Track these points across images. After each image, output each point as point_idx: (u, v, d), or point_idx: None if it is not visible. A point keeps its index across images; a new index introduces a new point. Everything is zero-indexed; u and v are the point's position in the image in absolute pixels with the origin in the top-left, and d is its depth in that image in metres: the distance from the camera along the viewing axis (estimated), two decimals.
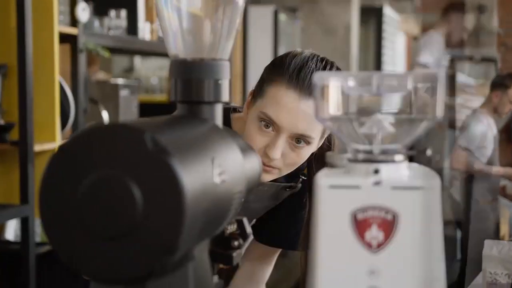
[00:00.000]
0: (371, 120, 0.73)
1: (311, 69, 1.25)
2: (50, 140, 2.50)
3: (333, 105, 0.73)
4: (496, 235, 4.35)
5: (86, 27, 2.79)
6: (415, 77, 0.70)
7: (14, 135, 2.40)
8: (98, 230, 0.62)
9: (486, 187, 4.39)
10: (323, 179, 0.70)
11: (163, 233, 0.61)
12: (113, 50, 3.20)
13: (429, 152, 3.51)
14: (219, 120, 0.83)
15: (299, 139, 1.25)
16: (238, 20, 0.86)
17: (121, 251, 0.62)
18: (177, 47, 0.84)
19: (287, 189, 1.41)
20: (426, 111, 0.71)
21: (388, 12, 7.42)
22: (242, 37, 4.71)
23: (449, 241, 5.33)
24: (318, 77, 0.72)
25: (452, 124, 4.89)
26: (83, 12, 2.66)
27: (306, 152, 1.27)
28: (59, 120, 2.53)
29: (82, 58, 2.69)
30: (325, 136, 1.33)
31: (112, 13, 3.04)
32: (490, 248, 1.97)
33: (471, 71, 5.40)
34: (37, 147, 2.41)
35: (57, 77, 2.50)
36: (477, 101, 4.54)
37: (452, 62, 4.45)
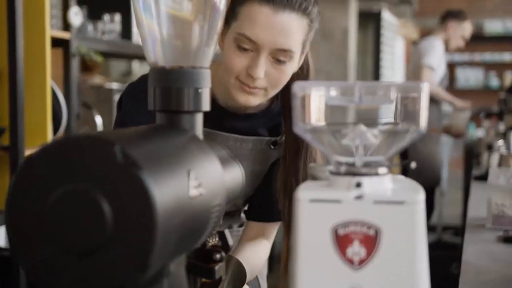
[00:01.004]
0: (353, 132, 0.70)
1: None
2: (41, 144, 2.47)
3: (314, 115, 0.70)
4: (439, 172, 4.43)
5: (80, 31, 2.76)
6: (399, 88, 0.68)
7: (5, 140, 2.37)
8: (66, 245, 0.60)
9: (436, 115, 4.46)
10: (303, 192, 0.67)
11: (133, 250, 0.58)
12: (107, 55, 3.17)
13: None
14: (199, 129, 0.81)
15: (280, 57, 1.22)
16: (219, 25, 0.83)
17: (90, 267, 0.59)
18: (156, 55, 0.81)
19: (272, 146, 1.37)
20: (410, 123, 0.68)
21: (387, 16, 7.40)
22: None
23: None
24: (298, 86, 0.69)
25: (448, 129, 4.89)
26: (76, 16, 2.63)
27: (289, 68, 1.25)
28: (51, 125, 2.51)
29: (75, 63, 2.66)
30: (305, 51, 1.30)
31: (106, 17, 3.01)
32: (496, 176, 1.86)
33: None
34: (28, 152, 2.38)
35: (49, 82, 2.48)
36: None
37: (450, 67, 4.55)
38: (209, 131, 1.31)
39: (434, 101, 4.43)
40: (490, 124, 5.29)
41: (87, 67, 3.37)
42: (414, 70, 4.44)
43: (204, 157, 0.74)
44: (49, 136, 2.49)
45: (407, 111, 0.69)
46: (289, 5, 1.19)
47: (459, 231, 4.97)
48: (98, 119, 2.92)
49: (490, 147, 3.22)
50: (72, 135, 0.62)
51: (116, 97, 3.08)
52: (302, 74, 1.33)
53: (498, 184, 1.89)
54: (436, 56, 4.28)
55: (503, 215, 1.86)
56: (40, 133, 2.47)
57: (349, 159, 0.70)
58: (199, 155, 0.73)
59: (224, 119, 1.35)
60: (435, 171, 4.44)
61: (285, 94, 1.31)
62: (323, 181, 0.73)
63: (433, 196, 4.63)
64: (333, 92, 0.70)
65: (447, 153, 6.18)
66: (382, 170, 0.69)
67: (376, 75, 7.29)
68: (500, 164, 2.94)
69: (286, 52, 1.21)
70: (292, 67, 1.26)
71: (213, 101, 1.33)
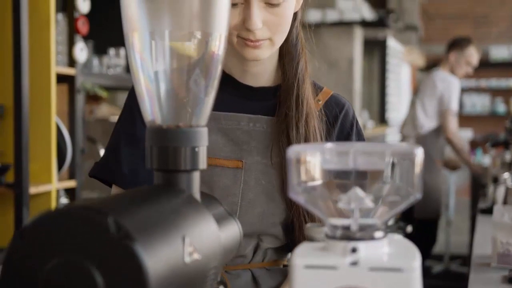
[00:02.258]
0: (348, 195, 0.70)
1: None
2: (46, 182, 2.48)
3: (308, 179, 0.70)
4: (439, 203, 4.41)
5: (85, 67, 2.78)
6: (393, 152, 0.68)
7: (9, 177, 2.38)
8: None
9: (439, 147, 4.43)
10: (299, 258, 0.67)
11: None
12: (113, 88, 3.19)
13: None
14: (196, 188, 0.81)
15: (272, 0, 1.13)
16: (216, 83, 0.83)
17: None
18: (153, 113, 0.81)
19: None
20: (405, 188, 0.68)
21: (392, 43, 7.42)
22: None
23: None
24: (293, 150, 0.69)
25: (447, 162, 4.89)
26: (81, 52, 2.65)
27: (287, 9, 1.16)
28: (56, 161, 2.51)
29: (80, 98, 2.68)
30: None
31: (112, 51, 3.03)
32: (501, 214, 1.83)
33: None
34: (33, 190, 2.39)
35: (54, 118, 2.49)
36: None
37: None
38: (218, 114, 1.23)
39: (438, 131, 4.42)
40: (496, 152, 5.27)
41: (93, 97, 3.39)
42: (424, 105, 4.43)
43: (200, 219, 0.73)
44: (54, 173, 2.49)
45: (403, 176, 0.68)
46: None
47: (467, 260, 4.93)
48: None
49: (496, 180, 3.20)
50: (64, 206, 0.62)
51: None
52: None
53: (503, 221, 1.87)
54: (457, 98, 4.34)
55: (509, 253, 1.84)
56: (45, 170, 2.48)
57: (345, 222, 0.70)
58: (195, 218, 0.73)
59: (239, 97, 1.26)
60: (437, 202, 4.42)
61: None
62: (319, 243, 0.73)
63: (436, 227, 4.59)
64: (328, 156, 0.69)
65: (454, 181, 6.15)
66: (378, 234, 0.69)
67: (382, 103, 7.29)
68: (506, 197, 2.92)
69: None
70: (290, 7, 1.17)
71: (228, 76, 1.27)
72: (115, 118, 3.19)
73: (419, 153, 0.68)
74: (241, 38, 1.16)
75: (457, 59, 4.38)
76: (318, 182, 0.71)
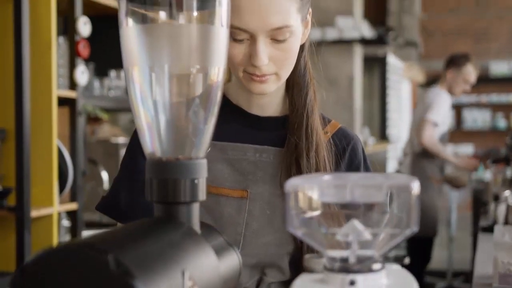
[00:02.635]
0: (346, 227, 0.71)
1: None
2: (47, 205, 2.48)
3: (306, 211, 0.71)
4: (434, 221, 4.37)
5: (86, 89, 2.80)
6: (390, 187, 0.69)
7: (11, 200, 2.39)
8: None
9: (437, 165, 4.40)
10: None
11: None
12: (114, 109, 3.21)
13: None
14: (195, 220, 0.81)
15: (278, 37, 1.12)
16: (215, 114, 0.84)
17: None
18: (153, 146, 0.82)
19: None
20: (403, 221, 0.69)
21: (392, 60, 7.45)
22: None
23: None
24: (291, 184, 0.70)
25: (450, 180, 4.88)
26: (82, 75, 2.67)
27: (293, 44, 1.15)
28: (57, 184, 2.52)
29: (81, 121, 2.69)
30: (308, 18, 1.22)
31: (112, 73, 3.05)
32: (502, 234, 1.82)
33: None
34: (34, 213, 2.40)
35: (55, 141, 2.50)
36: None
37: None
38: (225, 145, 1.23)
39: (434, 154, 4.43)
40: (497, 169, 5.27)
41: (95, 117, 3.40)
42: (418, 122, 4.45)
43: (199, 252, 0.74)
44: (55, 196, 2.50)
45: (400, 208, 0.69)
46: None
47: (470, 277, 4.91)
48: (104, 175, 2.94)
49: (496, 198, 3.20)
50: (65, 243, 0.63)
51: (122, 152, 3.10)
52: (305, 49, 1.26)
53: (504, 241, 1.88)
54: (441, 111, 4.29)
55: (510, 274, 1.84)
56: (46, 193, 2.48)
57: (343, 254, 0.70)
58: (194, 251, 0.73)
59: (245, 127, 1.26)
60: (433, 220, 4.40)
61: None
62: (318, 274, 0.74)
63: (431, 245, 4.56)
64: (326, 189, 0.70)
65: (455, 197, 6.15)
66: (376, 266, 0.69)
67: (383, 119, 7.31)
68: (507, 216, 2.91)
69: (282, 29, 1.12)
70: (296, 41, 1.17)
71: (235, 107, 1.27)
72: (116, 139, 3.20)
73: (415, 186, 0.68)
74: (247, 73, 1.16)
75: (455, 77, 4.39)
76: (316, 214, 0.72)
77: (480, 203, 4.47)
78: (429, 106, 4.30)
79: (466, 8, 10.06)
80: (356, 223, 0.71)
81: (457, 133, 10.20)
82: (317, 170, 1.21)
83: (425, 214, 4.17)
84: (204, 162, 0.82)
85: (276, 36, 1.13)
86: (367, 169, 1.29)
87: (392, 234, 0.70)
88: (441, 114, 4.27)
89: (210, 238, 0.83)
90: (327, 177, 0.73)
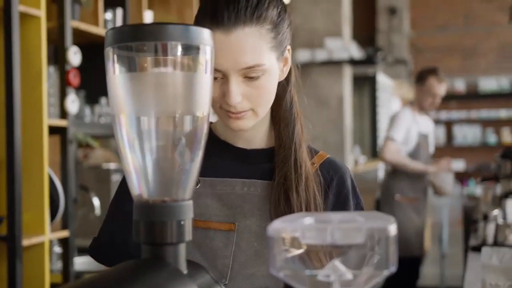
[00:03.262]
0: (328, 268, 0.73)
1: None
2: (39, 233, 2.49)
3: (288, 254, 0.73)
4: (418, 241, 4.31)
5: (77, 117, 2.82)
6: (368, 229, 0.71)
7: (2, 229, 2.40)
8: None
9: (407, 184, 4.33)
10: None
11: None
12: (105, 136, 3.23)
13: None
14: (182, 260, 0.84)
15: (251, 74, 1.14)
16: (200, 156, 0.87)
17: None
18: (140, 188, 0.85)
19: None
20: (381, 262, 0.71)
21: (382, 79, 7.51)
22: None
23: None
24: (273, 228, 0.73)
25: (433, 188, 4.79)
26: (73, 104, 2.69)
27: (267, 81, 1.17)
28: (49, 212, 2.53)
29: (72, 149, 2.71)
30: (284, 55, 1.22)
31: (103, 100, 3.08)
32: (489, 256, 1.83)
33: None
34: (26, 242, 2.41)
35: (46, 170, 2.52)
36: None
37: None
38: (214, 180, 1.25)
39: (403, 168, 4.39)
40: (487, 185, 5.30)
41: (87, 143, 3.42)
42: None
43: None
44: (47, 224, 2.51)
45: (379, 249, 0.72)
46: (239, 21, 1.13)
47: None
48: (96, 201, 2.95)
49: (485, 217, 3.23)
50: None
51: (114, 177, 3.12)
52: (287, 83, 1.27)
53: (491, 263, 1.90)
54: (402, 127, 4.26)
55: None
56: (38, 222, 2.50)
57: None
58: None
59: (233, 160, 1.28)
60: (417, 241, 4.36)
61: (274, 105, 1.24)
62: None
63: (419, 264, 4.53)
64: (307, 231, 0.73)
65: (447, 214, 6.18)
66: None
67: (373, 137, 7.36)
68: (496, 235, 2.94)
69: (254, 68, 1.14)
70: (271, 79, 1.18)
71: (222, 142, 1.29)
72: (108, 165, 3.22)
73: (393, 228, 0.71)
74: (224, 109, 1.19)
75: (420, 92, 4.38)
76: (297, 256, 0.74)
77: (471, 220, 4.48)
78: (391, 123, 4.33)
79: (455, 25, 10.16)
80: (337, 264, 0.73)
81: (448, 149, 10.26)
82: (307, 203, 1.22)
83: (405, 235, 4.16)
84: (189, 204, 0.85)
85: (249, 74, 1.15)
86: (357, 199, 1.31)
87: (372, 274, 0.73)
88: (402, 130, 4.25)
89: (196, 276, 0.85)
90: (308, 219, 0.75)
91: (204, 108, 0.85)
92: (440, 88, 4.33)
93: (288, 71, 1.27)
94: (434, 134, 4.50)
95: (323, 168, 1.29)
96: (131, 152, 0.84)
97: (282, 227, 0.73)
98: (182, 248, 0.84)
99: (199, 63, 0.84)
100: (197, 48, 0.83)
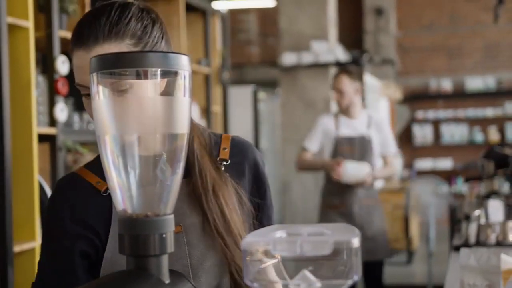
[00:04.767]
0: (298, 277, 0.80)
1: (92, 14, 1.20)
2: (29, 239, 2.55)
3: (261, 265, 0.80)
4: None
5: (66, 125, 2.87)
6: (335, 242, 0.77)
7: None
8: None
9: (332, 191, 4.13)
10: None
11: None
12: (94, 142, 3.28)
13: None
14: (165, 270, 0.90)
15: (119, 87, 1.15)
16: (179, 176, 0.93)
17: None
18: (124, 204, 0.91)
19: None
20: (344, 272, 0.78)
21: (369, 80, 7.59)
22: (223, 116, 4.83)
23: None
24: (246, 242, 0.79)
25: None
26: (62, 112, 2.75)
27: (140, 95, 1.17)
28: (39, 218, 2.59)
29: (61, 156, 2.76)
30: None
31: None
32: (467, 257, 1.88)
33: None
34: (17, 248, 2.46)
35: (36, 177, 2.57)
36: None
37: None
38: None
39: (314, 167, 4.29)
40: (472, 184, 5.37)
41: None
42: None
43: None
44: (37, 230, 2.56)
45: (344, 259, 0.78)
46: (99, 38, 1.17)
47: None
48: None
49: (467, 217, 3.29)
50: None
51: None
52: None
53: (469, 264, 1.95)
54: (314, 136, 4.11)
55: None
56: (28, 228, 2.55)
57: None
58: None
59: None
60: (379, 242, 4.18)
61: None
62: None
63: (382, 269, 4.39)
64: (278, 245, 0.79)
65: (433, 213, 6.26)
66: None
67: None
68: (478, 235, 3.00)
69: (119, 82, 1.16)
70: (144, 92, 1.23)
71: None
72: None
73: (356, 240, 0.77)
74: None
75: (336, 93, 4.25)
76: (270, 267, 0.81)
77: (455, 219, 4.54)
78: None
79: (441, 25, 10.27)
80: (307, 273, 0.80)
81: (436, 147, 10.37)
82: (220, 206, 1.26)
83: (368, 236, 4.09)
84: (171, 218, 0.91)
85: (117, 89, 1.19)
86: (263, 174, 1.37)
87: (339, 283, 0.79)
88: (315, 139, 4.08)
89: (179, 285, 0.91)
90: (279, 233, 0.82)
91: (183, 127, 0.91)
92: (346, 85, 4.04)
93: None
94: (378, 134, 4.11)
95: (234, 149, 1.34)
96: (115, 170, 0.90)
97: (255, 241, 0.79)
98: (165, 259, 0.90)
99: (178, 87, 0.90)
100: (175, 73, 0.90)
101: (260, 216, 1.34)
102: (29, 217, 2.54)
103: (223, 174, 1.29)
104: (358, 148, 4.12)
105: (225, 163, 1.31)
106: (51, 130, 2.73)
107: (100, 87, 0.89)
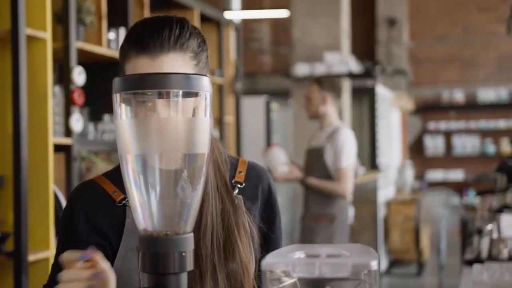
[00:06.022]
0: None
1: (152, 23, 1.23)
2: (44, 248, 2.57)
3: (281, 285, 0.81)
4: None
5: (81, 134, 2.90)
6: (353, 265, 0.79)
7: (9, 245, 2.47)
8: None
9: (319, 203, 4.01)
10: None
11: None
12: (109, 152, 3.31)
13: None
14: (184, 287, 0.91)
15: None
16: (199, 195, 0.94)
17: None
18: (145, 222, 0.92)
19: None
20: None
21: (381, 90, 7.59)
22: (235, 126, 4.84)
23: None
24: (266, 263, 0.80)
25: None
26: (77, 122, 2.77)
27: (189, 105, 1.19)
28: (54, 228, 2.61)
29: (76, 166, 2.79)
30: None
31: (106, 117, 3.16)
32: (480, 273, 1.89)
33: None
34: (32, 257, 2.48)
35: (52, 187, 2.59)
36: None
37: None
38: None
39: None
40: (484, 197, 5.34)
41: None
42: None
43: None
44: (52, 240, 2.58)
45: (363, 283, 0.79)
46: (164, 48, 1.19)
47: None
48: None
49: (480, 231, 3.28)
50: None
51: None
52: None
53: (482, 280, 1.96)
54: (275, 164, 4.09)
55: None
56: (43, 237, 2.57)
57: None
58: None
59: None
60: None
61: None
62: None
63: None
64: (297, 266, 0.80)
65: (444, 225, 6.24)
66: None
67: (373, 149, 7.42)
68: (491, 249, 2.99)
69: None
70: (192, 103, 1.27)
71: None
72: None
73: (375, 263, 0.78)
74: None
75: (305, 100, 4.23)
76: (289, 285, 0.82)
77: (467, 231, 4.51)
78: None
79: (454, 36, 10.25)
80: None
81: (448, 159, 10.33)
82: (228, 227, 1.26)
83: None
84: (190, 236, 0.93)
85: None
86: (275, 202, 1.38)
87: None
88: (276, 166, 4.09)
89: None
90: (298, 253, 0.83)
91: (204, 147, 0.93)
92: (313, 93, 4.06)
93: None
94: (332, 147, 3.96)
95: (249, 173, 1.35)
96: (136, 189, 0.92)
97: (275, 262, 0.80)
98: (184, 277, 0.91)
99: (199, 108, 0.92)
100: (197, 94, 0.91)
101: (266, 248, 1.31)
102: (44, 227, 2.57)
103: (235, 197, 1.30)
104: (311, 159, 4.07)
105: (239, 185, 1.32)
106: (66, 141, 2.76)
107: (123, 107, 0.91)
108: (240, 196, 1.31)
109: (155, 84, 0.89)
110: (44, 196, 2.57)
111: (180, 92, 0.90)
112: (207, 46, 1.29)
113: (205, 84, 0.92)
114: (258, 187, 1.35)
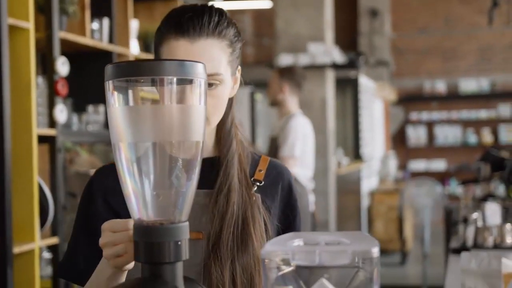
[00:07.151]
0: (316, 286, 0.80)
1: (191, 9, 1.25)
2: (29, 240, 2.54)
3: (280, 273, 0.80)
4: None
5: (65, 125, 2.87)
6: (353, 252, 0.78)
7: None
8: None
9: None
10: None
11: None
12: (92, 143, 3.28)
13: None
14: (179, 277, 0.90)
15: (209, 81, 1.19)
16: (194, 183, 0.93)
17: None
18: (140, 212, 0.91)
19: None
20: (365, 280, 0.78)
21: (364, 81, 7.60)
22: None
23: None
24: (265, 251, 0.79)
25: None
26: (61, 113, 2.74)
27: (222, 92, 1.24)
28: (38, 220, 2.58)
29: (60, 157, 2.76)
30: (237, 75, 1.31)
31: (90, 108, 3.13)
32: (468, 260, 1.89)
33: None
34: (16, 249, 2.45)
35: (36, 178, 2.56)
36: None
37: None
38: None
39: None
40: (467, 186, 5.38)
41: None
42: None
43: None
44: (37, 231, 2.56)
45: (363, 269, 0.78)
46: (203, 32, 1.21)
47: None
48: None
49: (465, 220, 3.30)
50: None
51: None
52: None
53: (470, 268, 1.96)
54: None
55: None
56: (28, 229, 2.54)
57: None
58: None
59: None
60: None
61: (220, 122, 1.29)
62: None
63: None
64: (297, 254, 0.79)
65: (428, 215, 6.28)
66: None
67: (356, 139, 7.44)
68: (476, 238, 3.01)
69: (213, 76, 1.21)
70: (226, 91, 1.26)
71: None
72: (93, 171, 3.26)
73: (376, 251, 0.78)
74: None
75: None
76: (289, 275, 0.81)
77: (451, 220, 4.54)
78: None
79: (435, 27, 10.29)
80: (325, 282, 0.80)
81: (429, 149, 10.39)
82: (223, 214, 1.25)
83: None
84: (186, 225, 0.91)
85: (208, 81, 1.19)
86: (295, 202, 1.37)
87: None
88: None
89: None
90: (296, 241, 0.82)
91: (198, 134, 0.91)
92: (272, 81, 4.15)
93: (236, 90, 1.34)
94: (287, 135, 3.98)
95: (269, 171, 1.35)
96: (130, 178, 0.91)
97: (274, 250, 0.79)
98: (179, 266, 0.90)
99: (193, 95, 0.90)
100: (191, 81, 0.90)
101: None
102: (29, 218, 2.54)
103: (253, 194, 1.30)
104: (271, 148, 4.15)
105: (258, 183, 1.32)
106: (50, 131, 2.73)
107: (116, 95, 0.89)
108: (258, 195, 1.30)
109: (148, 71, 0.88)
110: (29, 188, 2.54)
111: (174, 79, 0.88)
112: (242, 38, 1.31)
113: (200, 71, 0.90)
114: (278, 185, 1.35)
